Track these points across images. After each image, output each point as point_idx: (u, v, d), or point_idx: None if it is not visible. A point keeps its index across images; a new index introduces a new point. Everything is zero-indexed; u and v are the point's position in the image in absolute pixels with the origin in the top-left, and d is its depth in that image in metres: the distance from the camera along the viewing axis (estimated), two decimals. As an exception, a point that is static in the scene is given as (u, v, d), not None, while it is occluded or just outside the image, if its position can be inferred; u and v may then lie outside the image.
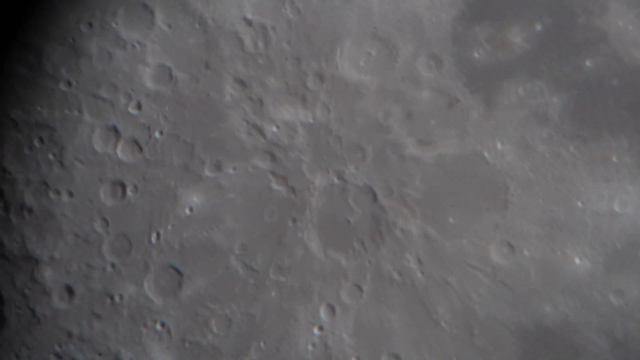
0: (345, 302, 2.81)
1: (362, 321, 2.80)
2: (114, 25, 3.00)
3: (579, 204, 2.86)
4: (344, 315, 2.79)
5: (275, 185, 2.93)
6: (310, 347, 2.75)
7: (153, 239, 2.87)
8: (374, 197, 2.91)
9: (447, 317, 2.79)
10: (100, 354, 2.70)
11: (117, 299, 2.80)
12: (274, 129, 2.96)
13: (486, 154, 2.91)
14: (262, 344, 2.77)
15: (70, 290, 2.79)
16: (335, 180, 2.93)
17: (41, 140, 2.88)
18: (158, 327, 2.77)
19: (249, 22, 3.02)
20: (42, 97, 2.92)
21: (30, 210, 2.83)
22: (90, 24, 3.01)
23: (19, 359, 2.70)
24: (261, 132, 2.97)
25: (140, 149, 2.94)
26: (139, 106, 2.96)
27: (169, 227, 2.89)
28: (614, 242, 2.81)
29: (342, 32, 3.03)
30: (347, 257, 2.87)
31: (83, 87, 2.97)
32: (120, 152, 2.94)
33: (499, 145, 2.91)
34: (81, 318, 2.77)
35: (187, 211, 2.89)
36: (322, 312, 2.80)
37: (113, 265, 2.83)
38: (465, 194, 2.91)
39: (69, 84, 2.97)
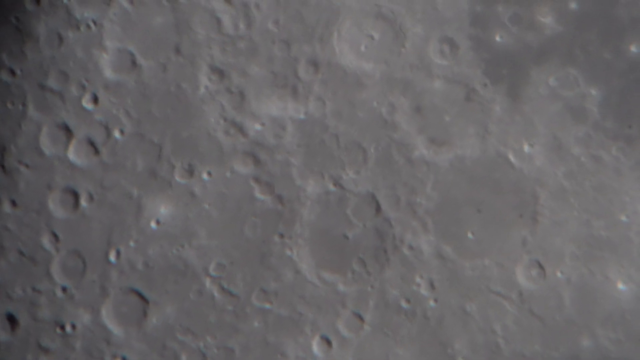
0: (343, 335, 2.81)
1: (363, 357, 2.79)
2: (65, 1, 3.04)
3: (623, 218, 2.83)
4: (342, 350, 2.79)
5: (258, 194, 2.94)
6: (300, 389, 2.82)
7: (112, 258, 2.87)
8: (378, 207, 2.92)
9: (466, 353, 2.77)
10: (46, 398, 2.76)
11: (69, 329, 2.80)
12: (258, 126, 2.98)
13: (511, 157, 2.91)
14: (242, 386, 2.82)
15: (12, 319, 2.79)
16: (331, 188, 2.95)
17: (-21, 139, 2.93)
18: (118, 363, 2.82)
19: (228, -1, 3.10)
20: (-20, 88, 2.99)
21: (-36, 224, 2.89)
22: (37, 1, 3.04)
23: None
24: (242, 130, 2.98)
25: (97, 151, 2.95)
26: (95, 100, 2.99)
27: (131, 243, 2.88)
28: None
29: (341, 10, 3.05)
30: (346, 281, 2.87)
31: (28, 76, 3.00)
32: (72, 154, 2.95)
33: (526, 147, 2.91)
34: (26, 352, 2.76)
35: (153, 224, 2.90)
36: (316, 347, 2.80)
37: (64, 289, 2.82)
38: (486, 204, 2.90)
39: (12, 72, 3.00)
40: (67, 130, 2.95)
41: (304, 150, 2.97)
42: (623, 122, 2.89)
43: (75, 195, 2.89)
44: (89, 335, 2.77)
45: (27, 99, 2.95)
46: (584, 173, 2.87)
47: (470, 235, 2.85)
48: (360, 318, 2.79)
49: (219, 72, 2.99)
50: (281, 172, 2.95)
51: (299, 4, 3.06)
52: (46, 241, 2.83)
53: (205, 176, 2.92)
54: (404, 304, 2.80)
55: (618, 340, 2.73)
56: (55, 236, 2.84)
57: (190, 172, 2.91)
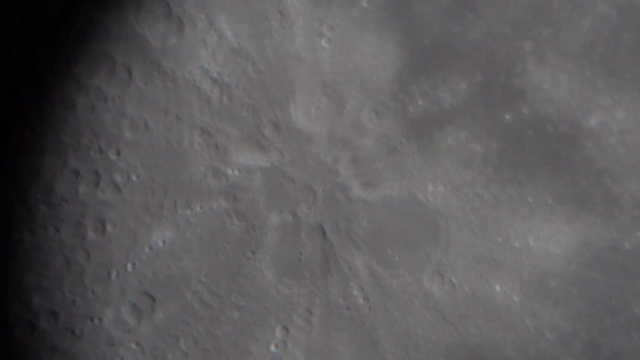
0: (297, 324, 3.12)
1: (313, 346, 3.12)
2: (96, 82, 3.16)
3: (499, 239, 3.08)
4: (298, 332, 3.11)
5: (234, 224, 3.19)
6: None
7: (129, 268, 3.17)
8: (324, 234, 3.14)
9: (388, 339, 3.08)
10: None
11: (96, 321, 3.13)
12: (235, 172, 3.16)
13: (420, 195, 3.13)
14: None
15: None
16: (289, 219, 3.17)
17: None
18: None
19: (214, 81, 3.19)
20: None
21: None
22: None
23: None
24: (224, 175, 3.18)
25: (119, 190, 3.17)
26: (118, 153, 3.18)
27: (143, 257, 3.22)
28: (528, 272, 3.03)
29: (296, 87, 3.20)
30: (299, 286, 3.15)
31: (70, 135, 3.21)
32: (101, 192, 3.20)
33: (430, 187, 3.12)
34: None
35: (161, 243, 3.19)
36: (277, 332, 3.12)
37: (93, 293, 3.14)
38: (404, 230, 3.13)
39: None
40: (97, 175, 3.14)
41: (268, 190, 3.12)
42: (499, 170, 3.04)
43: (103, 223, 3.14)
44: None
45: (69, 154, 3.15)
46: (472, 206, 3.06)
47: (390, 252, 3.10)
48: (310, 312, 3.08)
49: (207, 133, 3.14)
50: (251, 207, 3.13)
51: (266, 83, 3.18)
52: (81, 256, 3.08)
53: (198, 209, 3.15)
54: (342, 302, 3.07)
55: (495, 328, 2.95)
56: (87, 253, 3.10)
57: (188, 206, 3.15)
